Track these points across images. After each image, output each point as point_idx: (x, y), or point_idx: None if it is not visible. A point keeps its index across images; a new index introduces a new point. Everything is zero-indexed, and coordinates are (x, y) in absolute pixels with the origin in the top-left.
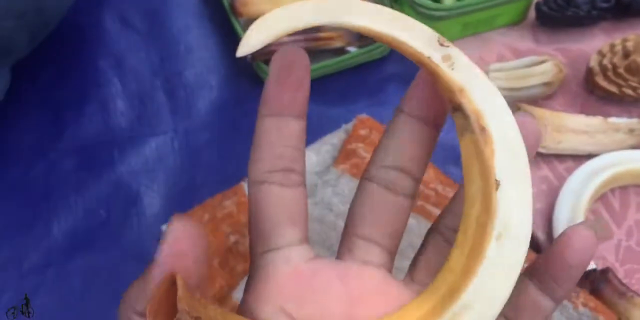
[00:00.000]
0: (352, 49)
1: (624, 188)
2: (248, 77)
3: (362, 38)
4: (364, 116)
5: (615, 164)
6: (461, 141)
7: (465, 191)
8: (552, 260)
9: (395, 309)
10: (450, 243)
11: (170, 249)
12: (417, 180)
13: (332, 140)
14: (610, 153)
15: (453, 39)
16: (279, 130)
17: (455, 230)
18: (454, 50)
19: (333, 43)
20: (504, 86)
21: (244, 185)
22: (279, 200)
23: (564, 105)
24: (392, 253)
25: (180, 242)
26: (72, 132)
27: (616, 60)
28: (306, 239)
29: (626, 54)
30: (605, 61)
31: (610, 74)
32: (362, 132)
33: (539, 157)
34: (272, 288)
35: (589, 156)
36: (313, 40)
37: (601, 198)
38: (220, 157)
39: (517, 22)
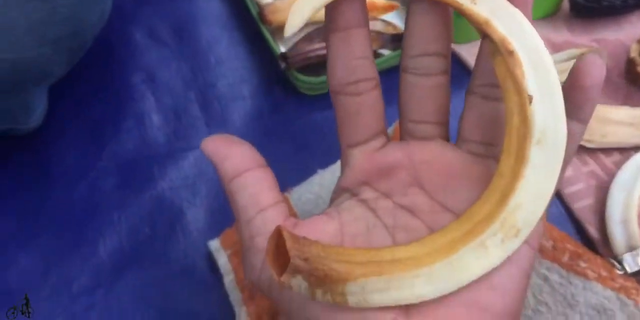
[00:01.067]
0: (385, 52)
1: None
2: (281, 85)
3: (395, 40)
4: None
5: None
6: (494, 63)
7: (505, 105)
8: (572, 87)
9: (451, 168)
10: (485, 97)
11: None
12: (446, 57)
13: None
14: None
15: None
16: (345, 43)
17: (487, 85)
18: None
19: None
20: None
21: (288, 196)
22: (353, 108)
23: (606, 98)
24: (444, 124)
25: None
26: (111, 149)
27: None
28: (381, 131)
29: None
30: (633, 54)
31: None
32: None
33: (584, 152)
34: (355, 172)
35: (636, 148)
36: None
37: None
38: None
39: (550, 15)
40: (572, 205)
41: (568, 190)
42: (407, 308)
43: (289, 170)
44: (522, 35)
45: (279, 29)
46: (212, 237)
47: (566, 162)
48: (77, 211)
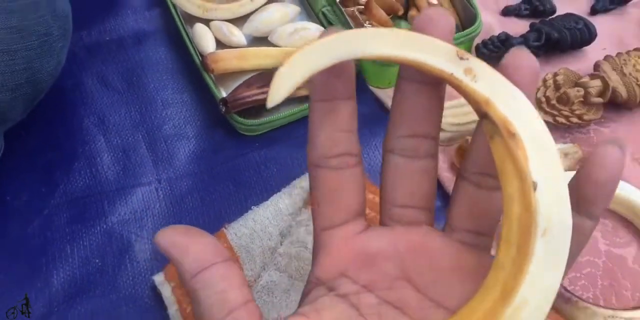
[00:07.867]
0: None
1: None
2: (222, 127)
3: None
4: None
5: None
6: (491, 144)
7: (503, 191)
8: (585, 180)
9: (441, 258)
10: (476, 185)
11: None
12: (435, 139)
13: (302, 184)
14: None
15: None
16: (331, 114)
17: (477, 173)
18: (474, 62)
19: (298, 92)
20: (452, 122)
21: (225, 231)
22: (334, 184)
23: None
24: (430, 210)
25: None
26: (64, 188)
27: (549, 93)
28: (362, 212)
29: (557, 87)
30: (539, 94)
31: (544, 106)
32: None
33: None
34: (332, 259)
35: None
36: None
37: None
38: (202, 203)
39: None
40: None
41: None
42: None
43: (228, 207)
44: (524, 116)
45: (220, 76)
46: (158, 267)
47: (573, 258)
48: (32, 245)
